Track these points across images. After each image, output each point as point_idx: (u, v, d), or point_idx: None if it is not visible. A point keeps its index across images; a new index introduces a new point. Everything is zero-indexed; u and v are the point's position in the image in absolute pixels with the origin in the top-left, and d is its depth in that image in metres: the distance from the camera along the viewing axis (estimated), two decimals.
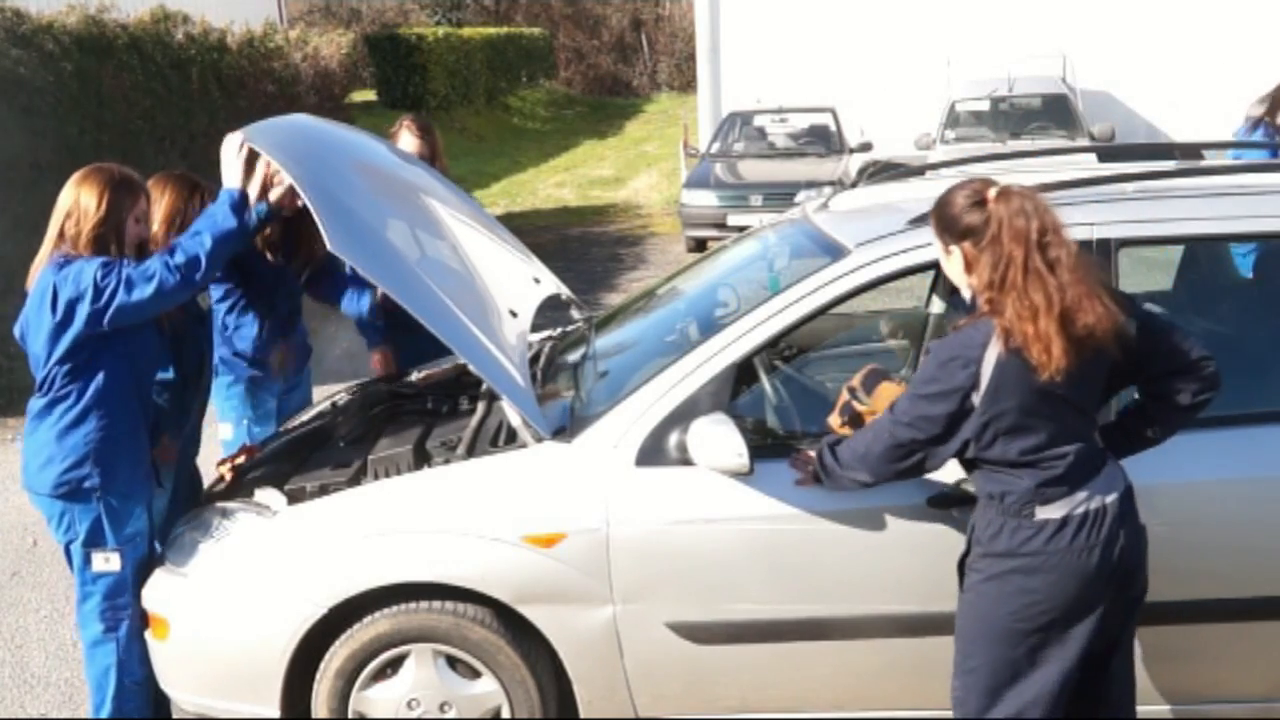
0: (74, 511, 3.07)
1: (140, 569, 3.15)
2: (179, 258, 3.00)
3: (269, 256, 3.85)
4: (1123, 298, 2.43)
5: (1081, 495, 2.36)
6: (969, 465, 2.49)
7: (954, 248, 2.42)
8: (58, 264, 3.00)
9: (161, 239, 3.36)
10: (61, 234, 3.04)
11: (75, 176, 3.09)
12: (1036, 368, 2.25)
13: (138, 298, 2.95)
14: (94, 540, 3.08)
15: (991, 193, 2.36)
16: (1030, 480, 2.36)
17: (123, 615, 3.14)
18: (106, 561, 3.09)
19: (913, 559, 2.76)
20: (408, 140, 4.41)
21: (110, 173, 3.09)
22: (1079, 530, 2.34)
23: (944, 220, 2.43)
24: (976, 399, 2.33)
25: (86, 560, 3.10)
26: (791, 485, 2.75)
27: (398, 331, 4.19)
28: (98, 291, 2.92)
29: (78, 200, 3.04)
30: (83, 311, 2.94)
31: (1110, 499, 2.37)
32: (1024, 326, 2.25)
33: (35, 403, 3.09)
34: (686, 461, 2.75)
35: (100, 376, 3.03)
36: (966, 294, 2.46)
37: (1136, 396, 2.59)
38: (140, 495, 3.16)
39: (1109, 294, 2.32)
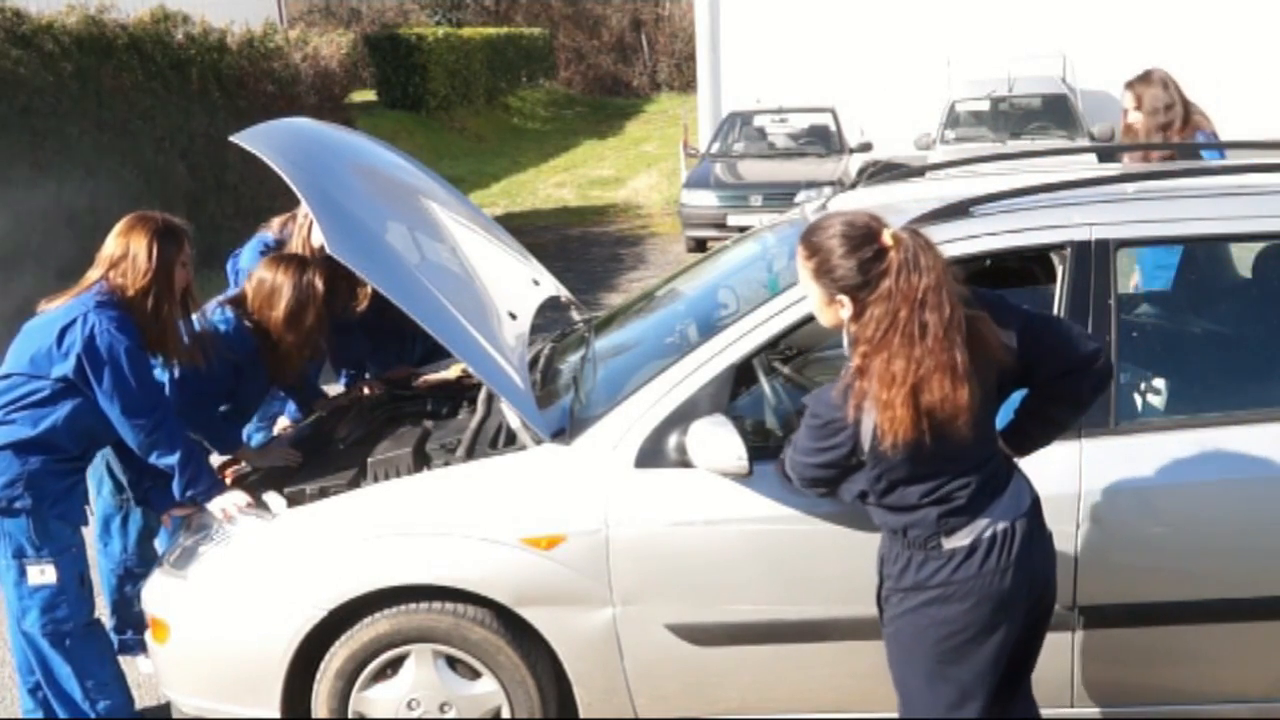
0: (4, 528, 3.05)
1: (83, 578, 3.15)
2: (161, 434, 3.05)
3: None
4: (1004, 307, 2.33)
5: (985, 520, 2.28)
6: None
7: (844, 298, 2.22)
8: (98, 301, 3.02)
9: (280, 326, 3.49)
10: (107, 279, 3.08)
11: (121, 225, 3.13)
12: (880, 434, 2.15)
13: (108, 406, 3.00)
14: (24, 554, 3.06)
15: (886, 237, 2.18)
16: (933, 513, 2.28)
17: (65, 626, 3.10)
18: (42, 574, 3.06)
19: None
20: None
21: (155, 222, 3.13)
22: (988, 555, 2.27)
23: (831, 266, 2.21)
24: (863, 455, 2.24)
25: (21, 574, 3.06)
26: (791, 486, 2.75)
27: (386, 337, 4.18)
28: (95, 371, 2.97)
29: (127, 250, 3.08)
30: (70, 366, 2.98)
31: (1018, 519, 2.30)
32: (880, 392, 2.13)
33: None
34: (686, 463, 2.75)
35: (59, 414, 3.04)
36: (847, 337, 2.28)
37: (1027, 396, 2.48)
38: (75, 513, 3.16)
39: (970, 366, 2.15)
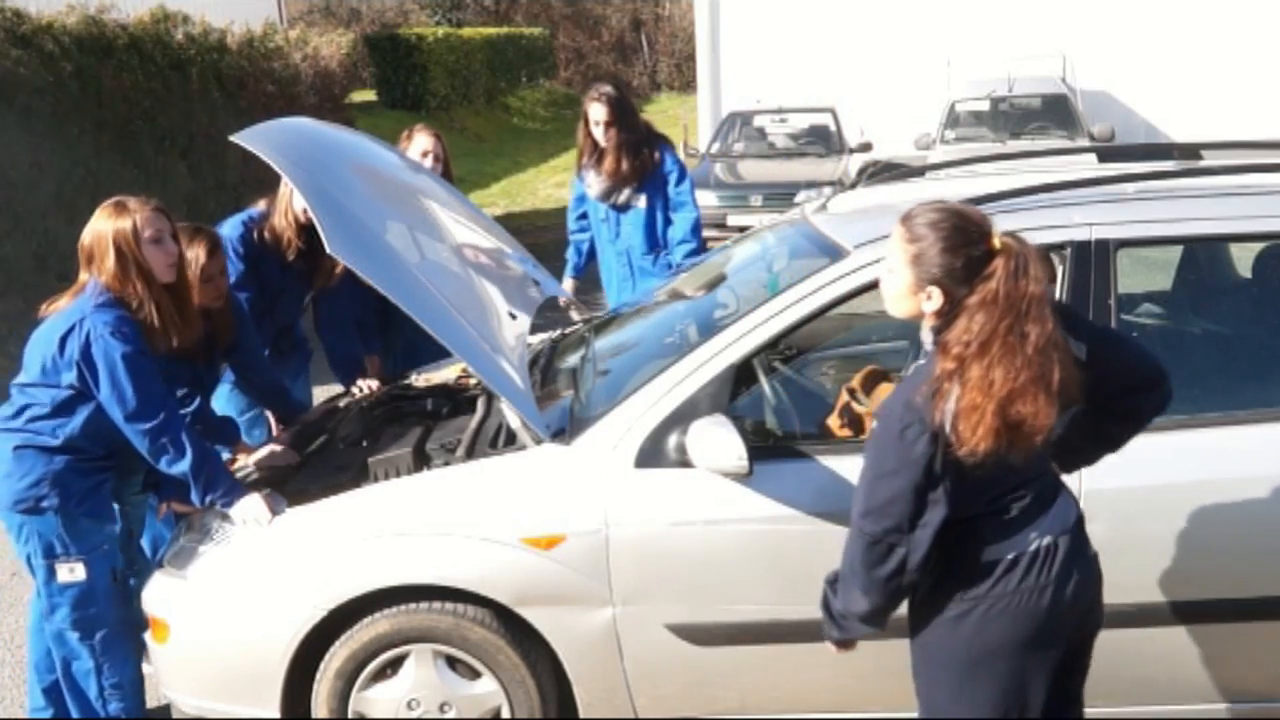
0: (31, 525, 3.06)
1: (113, 575, 3.15)
2: (167, 439, 2.98)
3: (289, 258, 3.92)
4: (1076, 319, 2.29)
5: (1032, 534, 2.19)
6: None
7: (934, 290, 2.13)
8: (96, 304, 2.98)
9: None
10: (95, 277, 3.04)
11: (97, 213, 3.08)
12: (957, 439, 2.05)
13: (111, 413, 2.97)
14: (53, 553, 3.07)
15: (995, 241, 2.10)
16: (979, 523, 2.19)
17: (94, 624, 3.12)
18: (71, 572, 3.08)
19: None
20: (422, 142, 4.45)
21: (109, 207, 3.06)
22: (1029, 570, 2.17)
23: (932, 256, 2.12)
24: (938, 466, 2.09)
25: (50, 573, 3.08)
26: (791, 486, 2.75)
27: (395, 333, 4.21)
28: (94, 378, 2.95)
29: (93, 244, 3.03)
30: (74, 374, 2.97)
31: (1062, 535, 2.21)
32: (974, 398, 2.04)
33: (3, 409, 3.09)
34: (686, 463, 2.75)
35: (77, 422, 3.03)
36: (927, 330, 2.20)
37: (1084, 411, 2.35)
38: (103, 510, 3.16)
39: (1063, 379, 2.09)
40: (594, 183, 4.79)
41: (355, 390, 4.03)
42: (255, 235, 3.94)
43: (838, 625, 2.33)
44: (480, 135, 21.78)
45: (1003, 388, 2.03)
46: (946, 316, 2.13)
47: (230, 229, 3.92)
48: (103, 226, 3.03)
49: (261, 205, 4.04)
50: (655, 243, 4.85)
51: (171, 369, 3.27)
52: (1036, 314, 2.06)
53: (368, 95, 20.77)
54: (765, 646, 2.87)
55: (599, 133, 4.70)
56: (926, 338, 2.20)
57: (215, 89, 11.25)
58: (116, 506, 3.27)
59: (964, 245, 2.09)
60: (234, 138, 3.16)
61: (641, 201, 4.76)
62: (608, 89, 4.73)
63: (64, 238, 8.56)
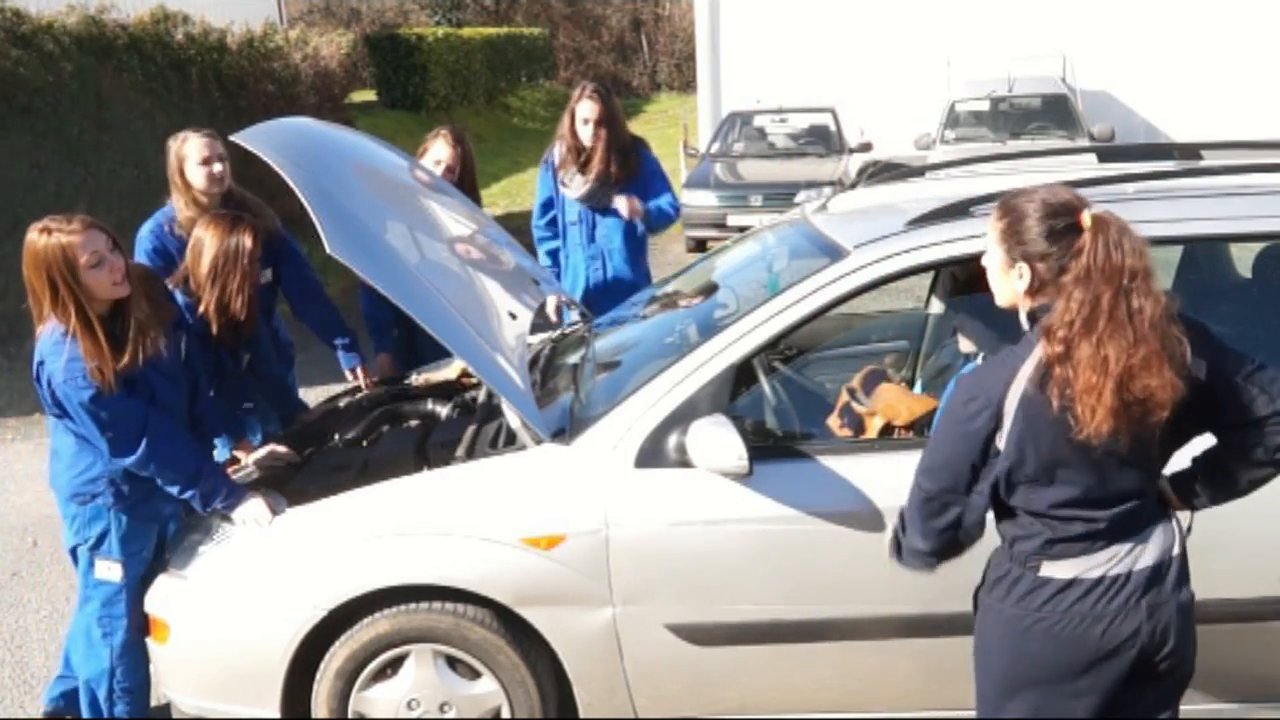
0: (85, 516, 3.10)
1: (141, 582, 3.17)
2: (157, 463, 2.94)
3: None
4: (1197, 331, 2.11)
5: (1100, 557, 2.10)
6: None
7: (1024, 267, 2.10)
8: (51, 344, 2.88)
9: (204, 281, 3.41)
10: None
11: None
12: (1077, 422, 1.99)
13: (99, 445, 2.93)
14: (100, 547, 3.12)
15: (1086, 217, 2.06)
16: (1048, 533, 2.11)
17: (117, 624, 3.17)
18: (109, 570, 3.13)
19: None
20: (436, 150, 4.40)
21: (34, 232, 2.85)
22: (1085, 596, 2.09)
23: (1021, 230, 2.10)
24: (1000, 442, 2.07)
25: (91, 565, 3.14)
26: (791, 486, 2.75)
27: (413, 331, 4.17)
28: (70, 419, 2.93)
29: (31, 282, 2.86)
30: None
31: (1139, 566, 2.10)
32: (1089, 378, 1.97)
33: None
34: (686, 463, 2.75)
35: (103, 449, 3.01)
36: (1024, 315, 2.17)
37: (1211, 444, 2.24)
38: (153, 515, 3.18)
39: (1179, 357, 2.01)
40: (576, 185, 4.65)
41: (354, 377, 4.02)
42: (171, 233, 3.82)
43: (902, 556, 2.32)
44: (480, 135, 21.76)
45: (1118, 364, 1.96)
46: (1044, 298, 2.09)
47: (149, 237, 3.81)
48: (34, 257, 2.83)
49: (170, 202, 3.92)
50: (633, 245, 4.77)
51: (197, 357, 3.31)
52: (1143, 287, 1.99)
53: (368, 95, 20.76)
54: (765, 646, 2.87)
55: (587, 131, 4.58)
56: (1024, 323, 2.16)
57: (215, 89, 11.23)
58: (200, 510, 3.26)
59: (1049, 217, 2.07)
60: (234, 138, 3.16)
61: (622, 204, 4.72)
62: (598, 86, 4.66)
63: None
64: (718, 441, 2.65)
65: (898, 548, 2.33)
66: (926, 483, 2.18)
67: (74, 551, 3.18)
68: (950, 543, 2.21)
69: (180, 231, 3.77)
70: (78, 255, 2.82)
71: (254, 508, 3.01)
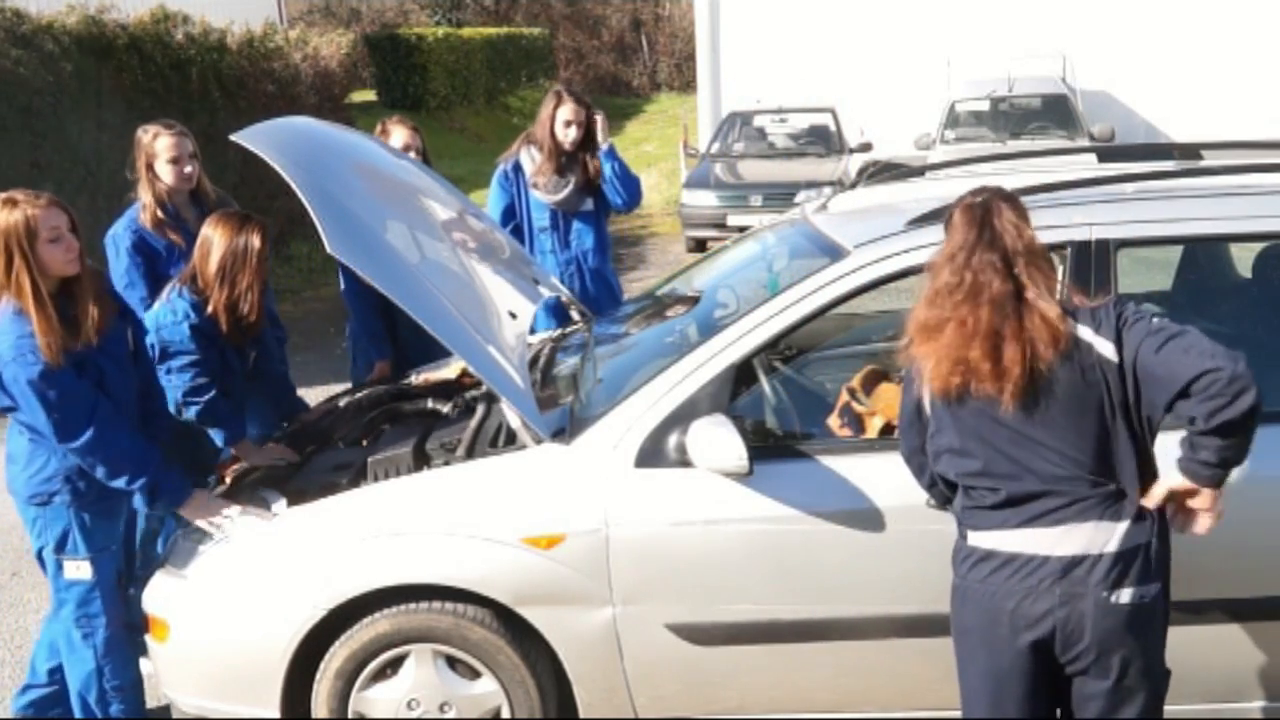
0: (45, 518, 3.07)
1: (117, 578, 3.16)
2: (100, 455, 2.90)
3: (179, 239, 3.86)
4: (1113, 313, 2.21)
5: (1015, 535, 2.22)
6: None
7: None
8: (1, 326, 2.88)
9: (212, 281, 3.40)
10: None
11: None
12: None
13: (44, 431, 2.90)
14: (66, 548, 3.08)
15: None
16: (964, 501, 2.31)
17: (96, 623, 3.14)
18: (78, 570, 3.09)
19: (912, 560, 2.76)
20: (400, 135, 4.44)
21: (6, 204, 2.86)
22: (1001, 569, 2.23)
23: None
24: (926, 410, 2.34)
25: (59, 567, 3.10)
26: (791, 486, 2.75)
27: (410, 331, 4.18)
28: (15, 405, 2.90)
29: None
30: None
31: (1057, 553, 2.18)
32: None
33: None
34: (686, 463, 2.75)
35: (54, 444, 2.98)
36: None
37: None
38: (115, 510, 3.15)
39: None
40: (554, 189, 4.60)
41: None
42: (152, 225, 3.81)
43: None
44: (480, 135, 21.78)
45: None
46: None
47: (125, 235, 3.81)
48: None
49: (138, 198, 3.90)
50: (603, 243, 4.76)
51: (204, 355, 3.32)
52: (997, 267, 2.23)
53: (368, 95, 20.77)
54: (765, 646, 2.87)
55: (569, 134, 4.54)
56: None
57: (215, 89, 11.22)
58: (143, 508, 3.25)
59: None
60: (234, 137, 3.16)
61: (590, 205, 4.65)
62: (573, 89, 4.66)
63: None
64: (718, 441, 2.65)
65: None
66: (901, 447, 2.47)
67: (40, 557, 3.14)
68: (939, 498, 2.47)
69: (148, 226, 3.80)
70: (39, 228, 2.85)
71: (200, 506, 2.99)
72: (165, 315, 3.40)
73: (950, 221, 2.30)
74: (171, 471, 3.05)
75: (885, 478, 2.72)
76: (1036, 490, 2.21)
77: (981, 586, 2.26)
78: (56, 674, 3.33)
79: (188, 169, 3.82)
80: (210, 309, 3.46)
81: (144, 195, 3.82)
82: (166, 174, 3.79)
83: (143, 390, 3.22)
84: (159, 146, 3.79)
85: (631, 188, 4.67)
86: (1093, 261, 2.79)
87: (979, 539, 2.28)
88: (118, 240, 3.80)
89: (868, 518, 2.75)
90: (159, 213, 3.79)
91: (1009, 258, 2.20)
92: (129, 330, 3.21)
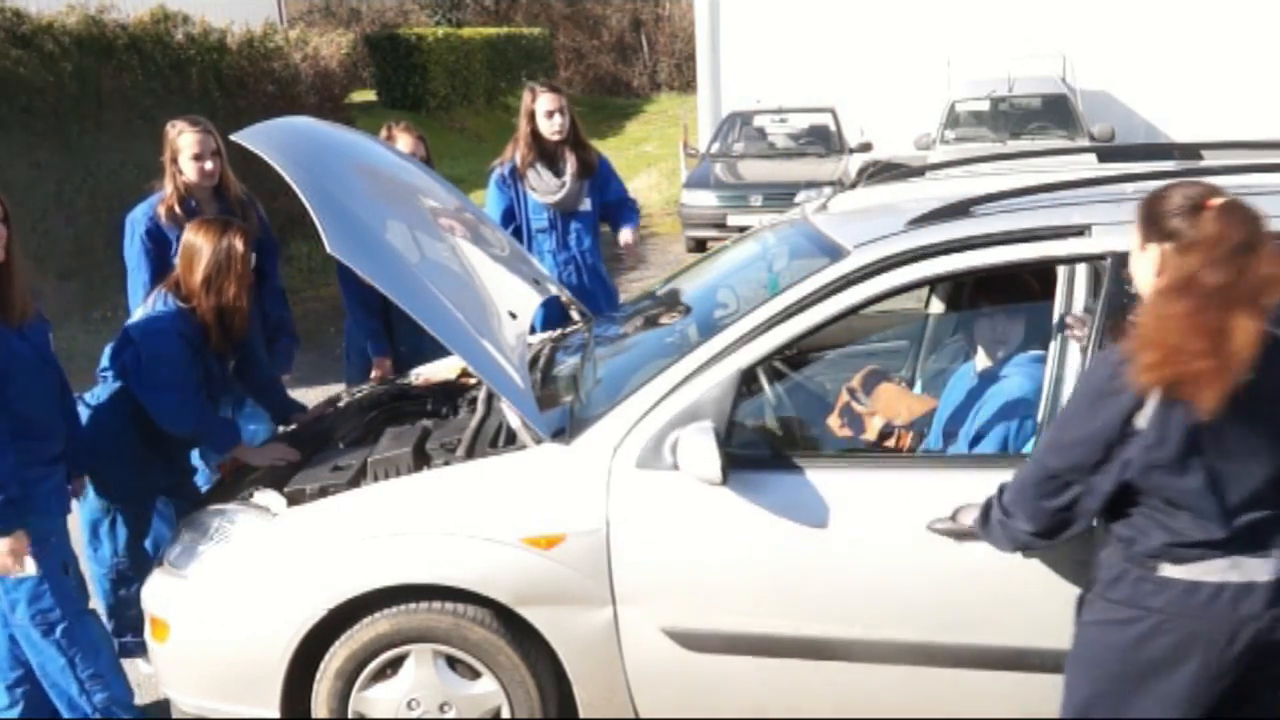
0: None
1: (66, 567, 3.11)
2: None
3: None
4: None
5: (1222, 563, 2.04)
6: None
7: (1152, 245, 2.10)
8: None
9: (199, 289, 3.40)
10: None
11: None
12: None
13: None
14: None
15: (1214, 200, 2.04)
16: (1165, 535, 2.06)
17: (52, 616, 3.07)
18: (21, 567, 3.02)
19: (912, 582, 2.71)
20: (404, 143, 4.47)
21: None
22: (1212, 600, 2.04)
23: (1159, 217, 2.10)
24: (1141, 422, 2.02)
25: None
26: (791, 489, 2.75)
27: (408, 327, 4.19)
28: None
29: None
30: None
31: (1264, 579, 2.03)
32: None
33: None
34: None
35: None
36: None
37: None
38: (49, 509, 3.08)
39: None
40: (550, 187, 4.59)
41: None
42: (167, 218, 3.87)
43: (989, 528, 2.30)
44: (480, 135, 21.78)
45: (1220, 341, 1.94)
46: None
47: (143, 219, 3.87)
48: None
49: (162, 188, 3.96)
50: (598, 243, 4.80)
51: (189, 365, 3.34)
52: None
53: (368, 95, 20.76)
54: (763, 648, 2.86)
55: (551, 124, 4.52)
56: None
57: (215, 89, 11.22)
58: (124, 508, 3.23)
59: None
60: (234, 137, 3.17)
61: (588, 204, 4.65)
62: (548, 81, 4.69)
63: (64, 238, 8.56)
64: (694, 449, 2.64)
65: (985, 519, 2.30)
66: (1052, 460, 2.13)
67: None
68: (1059, 526, 2.18)
69: (162, 218, 3.87)
70: None
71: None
72: (151, 324, 3.42)
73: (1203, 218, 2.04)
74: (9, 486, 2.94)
75: (885, 488, 2.73)
76: (1252, 517, 2.05)
77: (1196, 618, 2.06)
78: (20, 692, 3.23)
79: (209, 165, 3.92)
80: (198, 318, 3.45)
81: (166, 186, 3.93)
82: (189, 169, 3.91)
83: (59, 390, 3.21)
84: (183, 142, 3.92)
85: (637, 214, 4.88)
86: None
87: (1177, 571, 2.07)
88: (135, 223, 3.93)
89: (867, 525, 2.74)
90: (176, 207, 3.90)
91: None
92: (48, 331, 3.27)
